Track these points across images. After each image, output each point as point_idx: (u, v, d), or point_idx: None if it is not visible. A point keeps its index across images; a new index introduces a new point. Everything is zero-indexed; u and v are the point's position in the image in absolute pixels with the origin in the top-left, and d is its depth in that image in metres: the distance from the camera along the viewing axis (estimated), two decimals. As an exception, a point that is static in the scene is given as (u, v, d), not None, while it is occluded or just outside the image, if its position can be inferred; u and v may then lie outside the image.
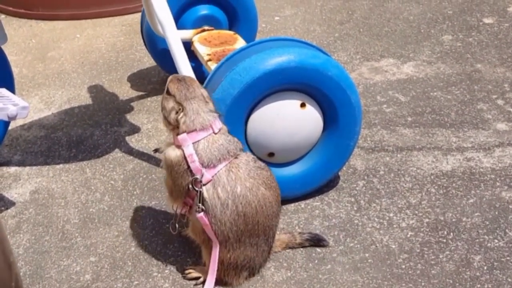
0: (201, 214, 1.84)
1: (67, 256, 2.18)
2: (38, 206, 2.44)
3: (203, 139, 1.85)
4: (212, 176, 1.84)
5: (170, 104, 1.88)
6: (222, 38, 2.84)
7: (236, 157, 1.88)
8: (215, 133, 1.86)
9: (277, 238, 2.08)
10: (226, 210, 1.84)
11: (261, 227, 1.89)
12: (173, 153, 1.88)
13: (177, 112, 1.86)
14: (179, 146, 1.86)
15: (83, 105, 3.14)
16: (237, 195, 1.84)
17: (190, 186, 1.85)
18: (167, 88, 1.90)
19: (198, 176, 1.83)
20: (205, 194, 1.84)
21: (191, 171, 1.84)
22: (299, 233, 2.13)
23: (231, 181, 1.84)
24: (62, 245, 2.24)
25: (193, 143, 1.84)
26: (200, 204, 1.84)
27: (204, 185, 1.84)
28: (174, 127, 1.88)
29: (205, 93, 1.91)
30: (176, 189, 1.91)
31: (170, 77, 1.94)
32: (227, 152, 1.86)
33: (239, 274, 1.96)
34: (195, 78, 2.01)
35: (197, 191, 1.84)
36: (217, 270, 1.93)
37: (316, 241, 2.11)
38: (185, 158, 1.84)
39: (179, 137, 1.85)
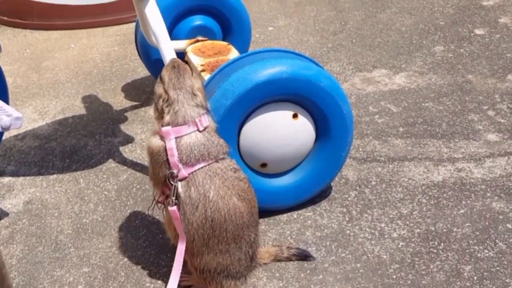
0: (174, 207, 1.85)
1: (60, 267, 2.19)
2: (32, 216, 2.45)
3: (186, 135, 1.83)
4: (188, 174, 1.84)
5: (160, 90, 1.87)
6: (215, 48, 2.86)
7: (217, 161, 1.86)
8: (200, 131, 1.85)
9: (266, 250, 2.09)
10: (195, 211, 1.84)
11: (230, 235, 1.87)
12: (155, 142, 1.88)
13: (164, 100, 1.85)
14: (162, 137, 1.86)
15: (77, 115, 3.15)
16: (208, 199, 1.83)
17: (167, 178, 1.86)
18: (160, 73, 1.90)
19: (175, 171, 1.84)
20: (180, 190, 1.85)
21: (169, 164, 1.84)
22: (287, 247, 2.13)
23: (205, 185, 1.84)
24: (55, 255, 2.24)
25: (176, 137, 1.83)
26: (173, 198, 1.85)
27: (180, 180, 1.84)
28: (160, 116, 1.87)
29: (196, 84, 1.88)
30: (154, 177, 1.93)
31: (169, 60, 1.93)
32: (208, 154, 1.84)
33: (220, 282, 1.94)
34: (192, 67, 1.97)
35: (172, 185, 1.85)
36: (197, 278, 1.96)
37: (303, 257, 2.12)
38: (166, 150, 1.84)
39: (163, 129, 1.84)
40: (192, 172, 1.84)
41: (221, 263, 1.91)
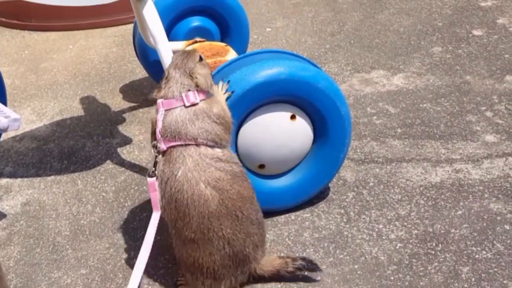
0: (153, 179, 1.89)
1: (58, 269, 2.19)
2: (29, 218, 2.45)
3: (173, 109, 1.88)
4: (167, 148, 1.88)
5: (166, 70, 1.99)
6: (213, 49, 2.86)
7: (197, 144, 1.87)
8: (186, 106, 1.88)
9: (270, 262, 2.00)
10: (165, 186, 1.87)
11: (194, 222, 1.85)
12: (152, 114, 1.96)
13: (164, 77, 1.95)
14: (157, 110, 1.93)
15: (75, 116, 3.15)
16: (175, 178, 1.85)
17: (152, 148, 1.92)
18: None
19: (156, 143, 1.90)
20: (159, 162, 1.89)
21: (155, 134, 1.91)
22: (292, 259, 2.00)
23: (176, 163, 1.86)
24: (53, 257, 2.24)
25: (165, 110, 1.89)
26: (153, 168, 1.89)
27: (159, 152, 1.89)
28: (159, 92, 1.94)
29: (198, 69, 1.94)
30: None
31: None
32: (185, 133, 1.86)
33: (200, 279, 1.92)
34: (202, 53, 2.03)
35: (154, 155, 1.90)
36: (190, 279, 1.96)
37: (310, 269, 2.01)
38: (156, 121, 1.91)
39: (158, 101, 1.92)
40: (170, 147, 1.87)
41: (191, 255, 1.90)
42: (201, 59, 1.98)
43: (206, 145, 1.89)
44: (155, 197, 1.90)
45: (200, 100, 1.90)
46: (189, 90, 1.90)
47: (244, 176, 1.96)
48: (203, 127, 1.89)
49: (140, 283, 2.09)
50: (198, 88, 1.91)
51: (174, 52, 2.43)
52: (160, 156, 1.90)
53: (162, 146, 1.88)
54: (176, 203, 1.86)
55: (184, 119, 1.87)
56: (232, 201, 1.89)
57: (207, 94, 1.94)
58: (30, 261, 2.23)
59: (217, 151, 1.91)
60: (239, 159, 2.22)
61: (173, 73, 1.92)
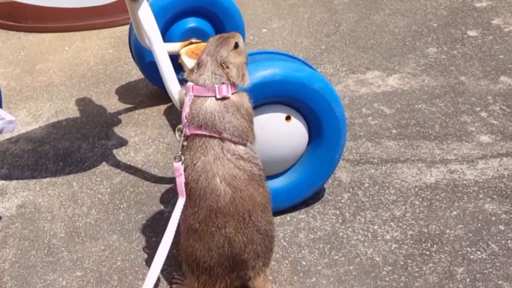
0: (178, 164, 1.85)
1: (53, 271, 2.18)
2: (25, 220, 2.45)
3: (203, 97, 1.84)
4: (191, 134, 1.85)
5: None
6: (209, 51, 2.86)
7: (221, 139, 1.84)
8: (217, 99, 1.84)
9: (264, 281, 1.97)
10: (185, 171, 1.86)
11: (202, 214, 1.84)
12: (181, 93, 1.95)
13: (197, 61, 1.90)
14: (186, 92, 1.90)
15: (71, 118, 3.15)
16: (193, 167, 1.83)
17: (177, 131, 1.89)
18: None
19: (181, 127, 1.87)
20: (184, 146, 1.87)
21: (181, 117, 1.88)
22: None
23: (197, 153, 1.84)
24: (48, 259, 2.24)
25: (194, 96, 1.85)
26: (179, 152, 1.86)
27: (184, 136, 1.86)
28: (190, 73, 1.90)
29: (231, 58, 1.88)
30: None
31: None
32: (212, 125, 1.82)
33: (196, 273, 1.91)
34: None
35: (178, 139, 1.88)
36: (190, 283, 1.93)
37: None
38: (184, 103, 1.88)
39: (188, 83, 1.88)
40: (194, 134, 1.84)
41: (192, 245, 1.88)
42: (236, 46, 1.90)
43: (231, 140, 1.85)
44: (181, 182, 1.85)
45: (232, 93, 1.86)
46: (222, 83, 1.84)
47: (261, 181, 1.91)
48: (231, 122, 1.84)
49: (135, 285, 2.09)
50: (231, 81, 1.86)
51: (170, 53, 2.44)
52: (185, 141, 1.86)
53: (187, 131, 1.85)
54: (190, 191, 1.85)
55: (213, 111, 1.83)
56: (242, 202, 1.85)
57: (239, 86, 1.90)
58: (25, 263, 2.23)
59: (240, 148, 1.86)
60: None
61: (204, 59, 1.87)
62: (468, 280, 2.02)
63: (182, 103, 1.90)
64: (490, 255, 2.11)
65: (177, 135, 1.89)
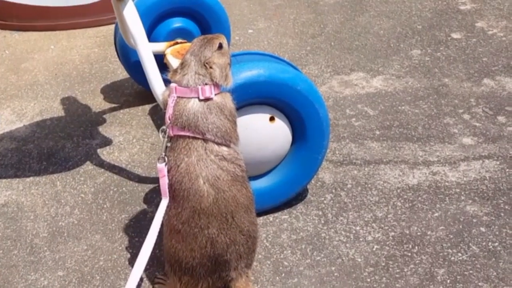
0: (162, 165, 1.85)
1: (35, 271, 2.18)
2: (7, 219, 2.44)
3: (186, 98, 1.84)
4: (174, 135, 1.85)
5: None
6: (194, 51, 2.86)
7: (204, 140, 1.84)
8: (200, 100, 1.84)
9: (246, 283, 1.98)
10: (169, 172, 1.86)
11: (185, 215, 1.84)
12: (165, 93, 1.94)
13: (181, 61, 1.90)
14: (169, 92, 1.89)
15: (55, 117, 3.14)
16: (177, 169, 1.84)
17: (160, 132, 1.89)
18: None
19: (165, 128, 1.87)
20: (167, 147, 1.87)
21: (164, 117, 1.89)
22: None
23: (181, 154, 1.84)
24: (30, 259, 2.23)
25: (177, 97, 1.85)
26: (162, 153, 1.86)
27: (168, 137, 1.87)
28: (174, 74, 1.90)
29: (215, 59, 1.88)
30: None
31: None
32: (195, 126, 1.83)
33: (178, 275, 1.91)
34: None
35: (163, 140, 1.87)
36: (172, 283, 1.93)
37: None
38: (166, 104, 1.88)
39: (171, 84, 1.88)
40: (177, 135, 1.85)
41: (174, 246, 1.88)
42: (220, 47, 1.91)
43: (214, 141, 1.85)
44: (165, 183, 1.86)
45: (215, 94, 1.86)
46: (206, 84, 1.84)
47: (244, 183, 1.92)
48: (215, 123, 1.85)
49: (117, 285, 2.09)
50: (214, 82, 1.86)
51: (155, 53, 2.44)
52: (168, 140, 1.87)
53: (170, 131, 1.85)
54: (174, 192, 1.85)
55: (196, 112, 1.83)
56: (225, 203, 1.86)
57: (222, 87, 1.90)
58: (7, 263, 2.22)
59: (223, 149, 1.87)
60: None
61: (188, 60, 1.87)
62: (448, 281, 2.04)
63: (166, 104, 1.91)
64: (471, 257, 2.13)
65: (160, 136, 1.89)
